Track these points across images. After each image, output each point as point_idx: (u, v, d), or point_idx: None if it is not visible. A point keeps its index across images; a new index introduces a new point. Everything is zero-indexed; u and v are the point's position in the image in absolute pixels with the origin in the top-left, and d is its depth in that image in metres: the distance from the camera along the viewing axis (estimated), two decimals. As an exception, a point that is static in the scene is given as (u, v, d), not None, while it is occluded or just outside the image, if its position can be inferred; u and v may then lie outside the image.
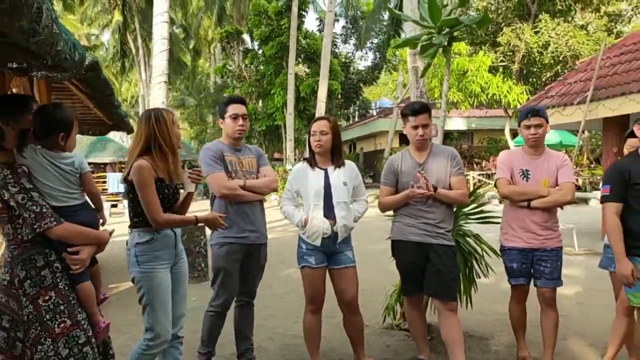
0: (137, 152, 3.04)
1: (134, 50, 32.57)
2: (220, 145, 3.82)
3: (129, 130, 7.81)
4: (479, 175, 22.12)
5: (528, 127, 3.72)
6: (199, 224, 3.21)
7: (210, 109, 29.69)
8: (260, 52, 24.46)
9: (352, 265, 3.79)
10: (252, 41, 26.88)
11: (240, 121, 3.78)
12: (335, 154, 3.79)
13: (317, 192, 3.71)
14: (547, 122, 3.77)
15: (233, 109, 3.79)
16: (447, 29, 4.14)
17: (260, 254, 3.90)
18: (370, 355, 4.07)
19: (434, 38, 4.16)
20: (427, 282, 3.68)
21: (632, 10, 21.85)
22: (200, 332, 3.88)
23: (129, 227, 3.16)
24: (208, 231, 4.19)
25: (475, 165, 24.06)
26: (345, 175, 3.77)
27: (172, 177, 3.08)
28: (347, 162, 3.88)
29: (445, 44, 4.16)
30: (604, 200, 3.40)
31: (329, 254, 3.74)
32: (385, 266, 5.90)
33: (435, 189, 3.56)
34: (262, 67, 24.32)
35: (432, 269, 3.63)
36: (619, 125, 10.29)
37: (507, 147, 21.52)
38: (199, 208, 4.10)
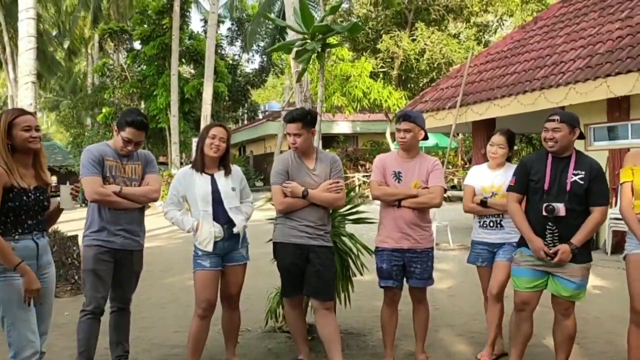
0: None
1: (-1, 48, 30.00)
2: (105, 148, 3.66)
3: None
4: (364, 176, 22.87)
5: (399, 130, 3.90)
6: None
7: (87, 111, 28.08)
8: (142, 51, 23.54)
9: (245, 262, 3.89)
10: (131, 41, 25.79)
11: (131, 147, 3.64)
12: (225, 161, 3.83)
13: (204, 197, 3.70)
14: (422, 127, 3.89)
15: (130, 133, 3.58)
16: (320, 36, 4.24)
17: (132, 261, 3.75)
18: (251, 360, 4.07)
19: (307, 44, 4.24)
20: (307, 282, 3.75)
21: (497, 22, 23.74)
22: (74, 349, 3.66)
23: None
24: (80, 241, 3.98)
25: (360, 167, 24.85)
26: (233, 181, 3.83)
27: (20, 182, 2.91)
28: (232, 166, 3.91)
29: (319, 50, 4.25)
30: (508, 189, 3.65)
31: (224, 254, 3.75)
32: (269, 269, 5.91)
33: (305, 195, 3.69)
34: (144, 67, 23.45)
35: (312, 270, 3.71)
36: (487, 128, 11.11)
37: (389, 150, 22.47)
38: (81, 216, 3.87)
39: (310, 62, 4.58)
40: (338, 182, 3.79)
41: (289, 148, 3.88)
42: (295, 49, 4.46)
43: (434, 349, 4.30)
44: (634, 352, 3.32)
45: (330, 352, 3.68)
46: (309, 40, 4.30)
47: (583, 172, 3.36)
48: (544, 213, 3.34)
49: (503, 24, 24.37)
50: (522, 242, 3.56)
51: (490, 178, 4.07)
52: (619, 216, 8.32)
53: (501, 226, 3.99)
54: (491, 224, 4.03)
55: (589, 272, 3.50)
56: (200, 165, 3.77)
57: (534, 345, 4.24)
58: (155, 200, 3.87)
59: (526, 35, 11.49)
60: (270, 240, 4.58)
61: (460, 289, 6.58)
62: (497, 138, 4.09)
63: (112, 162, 3.61)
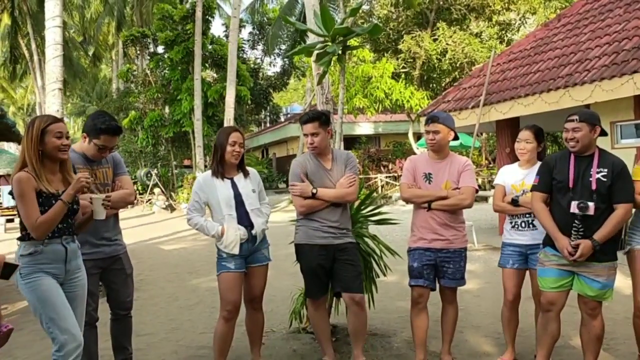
0: (20, 164, 2.98)
1: (27, 56, 30.65)
2: (73, 155, 3.46)
3: (18, 140, 7.37)
4: (387, 177, 22.79)
5: (427, 132, 3.89)
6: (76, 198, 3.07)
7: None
8: (166, 56, 23.86)
9: (267, 263, 3.93)
10: (155, 46, 26.14)
11: (106, 152, 3.60)
12: (242, 164, 3.89)
13: (228, 202, 3.75)
14: (451, 128, 3.87)
15: (105, 140, 3.50)
16: (340, 38, 4.25)
17: (123, 265, 3.73)
18: (276, 361, 4.11)
19: (327, 46, 4.26)
20: (337, 279, 3.81)
21: (520, 20, 23.45)
22: (102, 350, 3.73)
23: (17, 239, 3.05)
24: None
25: (382, 168, 24.75)
26: (252, 183, 3.89)
27: (48, 187, 2.98)
28: (250, 169, 3.97)
29: (340, 52, 4.27)
30: (532, 189, 3.64)
31: (248, 255, 3.80)
32: (293, 270, 5.95)
33: (314, 194, 3.75)
34: (167, 72, 23.75)
35: (340, 266, 3.77)
36: (511, 127, 11.00)
37: (412, 150, 22.37)
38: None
39: (331, 64, 4.61)
40: (351, 176, 3.81)
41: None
42: (315, 52, 4.48)
43: (459, 349, 4.28)
44: None
45: (353, 343, 3.85)
46: (329, 43, 4.33)
47: (606, 170, 3.36)
48: (576, 210, 3.33)
49: (526, 22, 24.04)
50: (546, 242, 3.55)
51: (520, 176, 4.01)
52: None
53: (533, 226, 3.90)
54: (523, 225, 3.94)
55: (615, 271, 3.46)
56: (220, 170, 3.80)
57: (562, 347, 4.20)
58: (132, 203, 3.86)
59: (549, 33, 11.34)
60: (292, 242, 4.61)
61: (486, 289, 6.53)
62: (524, 133, 4.02)
63: (83, 170, 3.44)
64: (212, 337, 3.87)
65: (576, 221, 3.33)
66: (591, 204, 3.30)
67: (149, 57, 26.16)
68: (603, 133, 3.48)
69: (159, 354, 4.14)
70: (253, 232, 3.77)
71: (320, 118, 3.81)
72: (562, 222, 3.40)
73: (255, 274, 3.86)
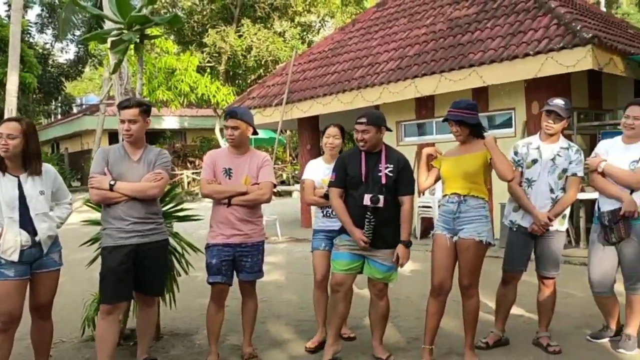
0: None
1: None
2: None
3: None
4: (193, 173, 22.41)
5: (227, 127, 3.89)
6: None
7: None
8: None
9: (57, 268, 3.57)
10: None
11: None
12: (28, 161, 3.43)
13: (10, 203, 3.32)
14: (250, 124, 3.91)
15: None
16: (137, 26, 4.04)
17: None
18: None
19: (123, 34, 4.02)
20: (140, 281, 3.62)
21: (320, 22, 24.82)
22: None
23: None
24: None
25: (189, 164, 24.29)
26: (43, 184, 3.48)
27: None
28: (44, 166, 3.54)
29: (137, 40, 4.05)
30: (329, 185, 3.86)
31: (33, 261, 3.39)
32: (86, 275, 5.52)
33: (112, 186, 3.51)
34: None
35: (144, 267, 3.60)
36: (311, 125, 11.57)
37: (219, 146, 22.29)
38: None
39: (131, 53, 4.36)
40: (159, 173, 3.64)
41: (110, 144, 3.67)
42: (110, 39, 4.20)
43: (260, 340, 4.36)
44: (430, 319, 3.74)
45: (140, 342, 3.83)
46: (125, 31, 4.08)
47: (392, 166, 3.73)
48: (368, 203, 3.62)
49: (325, 25, 25.53)
50: (342, 230, 3.81)
51: (327, 171, 4.20)
52: (427, 204, 9.18)
53: None
54: (334, 213, 4.13)
55: None
56: (4, 168, 3.36)
57: (354, 327, 4.53)
58: None
59: (345, 36, 12.14)
60: (85, 243, 4.28)
61: (288, 279, 6.77)
62: (332, 130, 4.29)
63: None
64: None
65: (368, 212, 3.63)
66: (381, 197, 3.63)
67: None
68: (388, 129, 3.85)
69: None
70: (37, 238, 3.38)
71: (141, 106, 3.63)
72: (356, 214, 3.68)
73: (42, 281, 3.48)
